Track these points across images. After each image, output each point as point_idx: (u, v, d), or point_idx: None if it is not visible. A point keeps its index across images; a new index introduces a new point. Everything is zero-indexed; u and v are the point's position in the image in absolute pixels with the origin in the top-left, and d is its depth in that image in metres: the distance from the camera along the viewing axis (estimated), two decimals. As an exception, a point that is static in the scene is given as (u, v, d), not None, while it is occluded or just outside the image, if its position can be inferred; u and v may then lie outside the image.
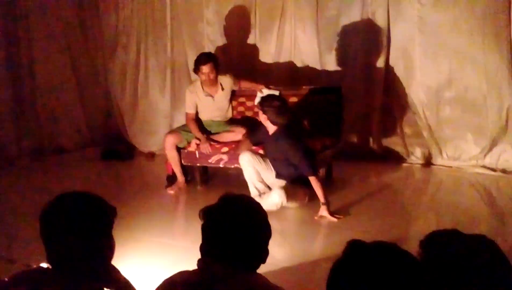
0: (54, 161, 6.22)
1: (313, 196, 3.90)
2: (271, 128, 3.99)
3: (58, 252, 1.56)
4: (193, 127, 4.70)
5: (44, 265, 1.61)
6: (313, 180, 3.74)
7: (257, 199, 3.82)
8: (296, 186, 3.94)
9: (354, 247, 1.23)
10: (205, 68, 4.58)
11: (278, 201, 3.81)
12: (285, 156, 3.90)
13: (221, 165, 4.53)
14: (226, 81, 4.80)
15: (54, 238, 1.56)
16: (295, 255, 3.17)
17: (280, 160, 3.98)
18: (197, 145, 4.59)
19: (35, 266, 1.73)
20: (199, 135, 4.63)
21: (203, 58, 4.65)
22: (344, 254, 1.22)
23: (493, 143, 4.83)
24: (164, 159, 5.09)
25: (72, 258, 1.55)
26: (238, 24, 5.99)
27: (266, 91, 4.69)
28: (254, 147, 4.26)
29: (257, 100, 4.75)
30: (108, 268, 1.73)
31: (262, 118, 3.98)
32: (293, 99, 4.79)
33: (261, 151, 4.22)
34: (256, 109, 4.45)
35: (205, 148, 4.54)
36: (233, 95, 4.95)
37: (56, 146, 6.61)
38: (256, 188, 4.05)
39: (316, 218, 3.73)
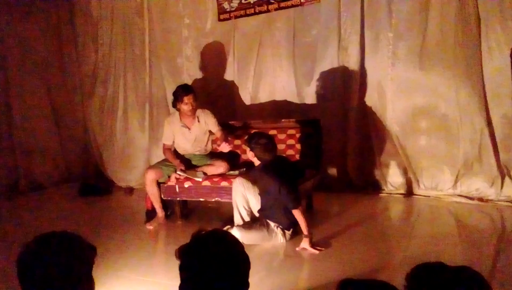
0: (31, 199, 6.11)
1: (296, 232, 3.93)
2: (257, 163, 4.05)
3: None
4: (170, 156, 4.76)
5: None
6: (296, 213, 3.77)
7: (242, 231, 3.83)
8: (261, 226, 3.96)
9: (345, 286, 1.25)
10: (187, 99, 4.66)
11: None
12: (268, 190, 3.92)
13: (201, 199, 4.52)
14: (202, 115, 4.85)
15: (32, 282, 1.52)
16: (279, 289, 3.13)
17: (265, 193, 4.00)
18: (177, 179, 4.57)
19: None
20: (175, 162, 4.67)
21: (185, 89, 4.75)
22: None
23: (468, 172, 4.91)
24: (143, 194, 5.04)
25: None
26: (216, 59, 6.08)
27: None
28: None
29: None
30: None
31: (250, 154, 4.06)
32: (273, 132, 4.84)
33: None
34: (243, 146, 4.53)
35: (180, 165, 4.58)
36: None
37: (32, 183, 6.51)
38: (240, 215, 4.11)
39: (297, 249, 3.74)
